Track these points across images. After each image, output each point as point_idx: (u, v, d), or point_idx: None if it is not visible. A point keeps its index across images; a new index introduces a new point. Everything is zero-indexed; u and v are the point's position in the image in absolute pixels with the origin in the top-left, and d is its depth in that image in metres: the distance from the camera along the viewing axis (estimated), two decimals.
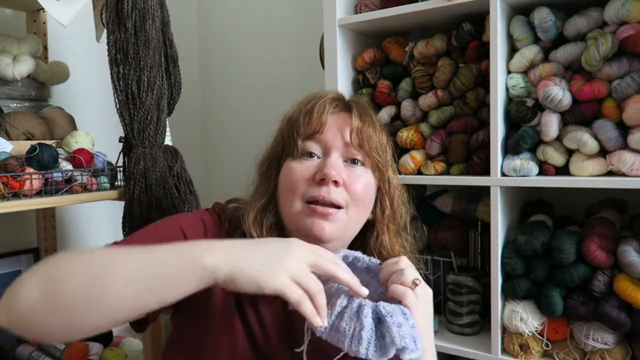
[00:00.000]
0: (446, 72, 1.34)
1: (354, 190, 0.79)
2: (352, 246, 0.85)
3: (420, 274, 0.75)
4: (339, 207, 0.79)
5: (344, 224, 0.80)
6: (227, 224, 0.85)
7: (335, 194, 0.78)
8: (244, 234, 0.82)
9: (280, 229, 0.84)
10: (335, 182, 0.77)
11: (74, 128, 1.49)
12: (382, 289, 0.74)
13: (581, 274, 1.13)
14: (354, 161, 0.81)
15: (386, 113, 1.43)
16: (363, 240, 0.87)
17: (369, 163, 0.82)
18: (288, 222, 0.82)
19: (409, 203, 0.91)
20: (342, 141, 0.80)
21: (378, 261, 0.76)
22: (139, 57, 1.27)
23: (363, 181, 0.81)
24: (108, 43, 1.28)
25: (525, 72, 1.24)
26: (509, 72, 1.25)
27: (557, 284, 1.17)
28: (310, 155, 0.81)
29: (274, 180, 0.84)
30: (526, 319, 1.20)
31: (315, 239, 0.77)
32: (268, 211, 0.83)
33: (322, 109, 0.80)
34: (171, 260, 0.62)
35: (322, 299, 0.63)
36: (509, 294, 1.24)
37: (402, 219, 0.89)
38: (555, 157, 1.19)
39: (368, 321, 0.62)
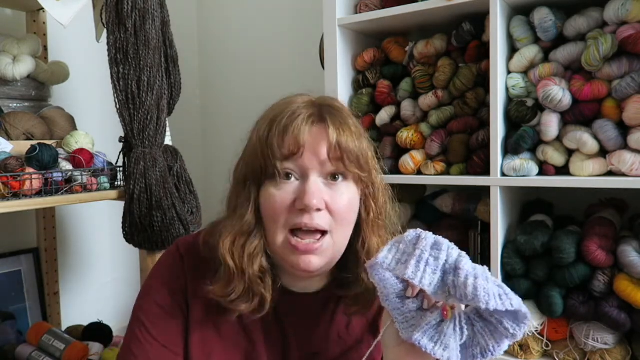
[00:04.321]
0: (446, 72, 1.34)
1: (338, 211, 0.74)
2: (340, 259, 0.81)
3: None
4: (323, 232, 0.74)
5: (331, 250, 0.75)
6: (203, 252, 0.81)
7: (318, 219, 0.73)
8: (221, 263, 0.77)
9: (266, 254, 0.78)
10: (318, 209, 0.73)
11: (74, 128, 1.49)
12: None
13: (581, 274, 1.13)
14: (334, 177, 0.75)
15: (386, 113, 1.43)
16: (349, 248, 0.80)
17: (350, 175, 0.76)
18: (274, 253, 0.78)
19: (393, 200, 0.84)
20: (320, 159, 0.73)
21: None
22: (139, 57, 1.27)
23: (346, 197, 0.75)
24: (108, 43, 1.28)
25: (525, 72, 1.24)
26: (509, 72, 1.25)
27: (557, 284, 1.17)
28: (288, 176, 0.74)
29: (256, 201, 0.77)
30: None
31: (303, 272, 0.75)
32: (252, 234, 0.77)
33: (297, 128, 0.73)
34: None
35: None
36: None
37: (389, 217, 0.83)
38: (555, 157, 1.19)
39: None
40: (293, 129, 0.73)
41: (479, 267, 0.61)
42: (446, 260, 0.62)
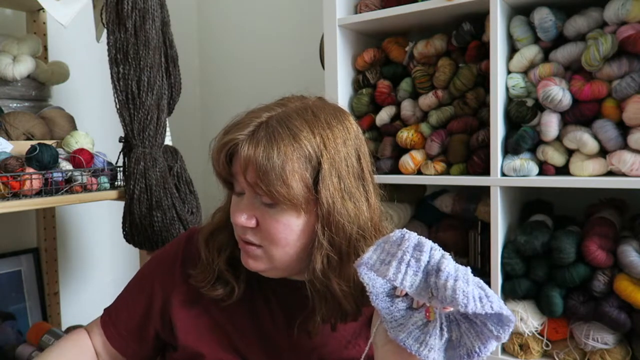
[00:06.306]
0: (446, 72, 1.34)
1: (267, 232, 0.73)
2: None
3: None
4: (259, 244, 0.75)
5: (267, 259, 0.75)
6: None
7: (248, 234, 0.75)
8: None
9: (232, 248, 0.82)
10: (245, 226, 0.74)
11: (74, 128, 1.49)
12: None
13: (581, 274, 1.13)
14: (268, 204, 0.73)
15: (386, 113, 1.43)
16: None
17: (282, 204, 0.71)
18: None
19: (370, 221, 0.76)
20: (247, 183, 0.72)
21: None
22: (139, 57, 1.27)
23: (275, 223, 0.73)
24: (108, 43, 1.28)
25: (525, 72, 1.24)
26: (509, 72, 1.25)
27: (557, 284, 1.17)
28: (238, 193, 0.77)
29: (228, 201, 0.82)
30: (526, 319, 1.20)
31: (249, 269, 0.78)
32: (223, 229, 0.82)
33: (217, 157, 0.76)
34: None
35: None
36: (509, 294, 1.24)
37: (352, 247, 0.75)
38: (555, 157, 1.19)
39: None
40: (216, 159, 0.76)
41: (461, 268, 0.60)
42: (428, 262, 0.61)
